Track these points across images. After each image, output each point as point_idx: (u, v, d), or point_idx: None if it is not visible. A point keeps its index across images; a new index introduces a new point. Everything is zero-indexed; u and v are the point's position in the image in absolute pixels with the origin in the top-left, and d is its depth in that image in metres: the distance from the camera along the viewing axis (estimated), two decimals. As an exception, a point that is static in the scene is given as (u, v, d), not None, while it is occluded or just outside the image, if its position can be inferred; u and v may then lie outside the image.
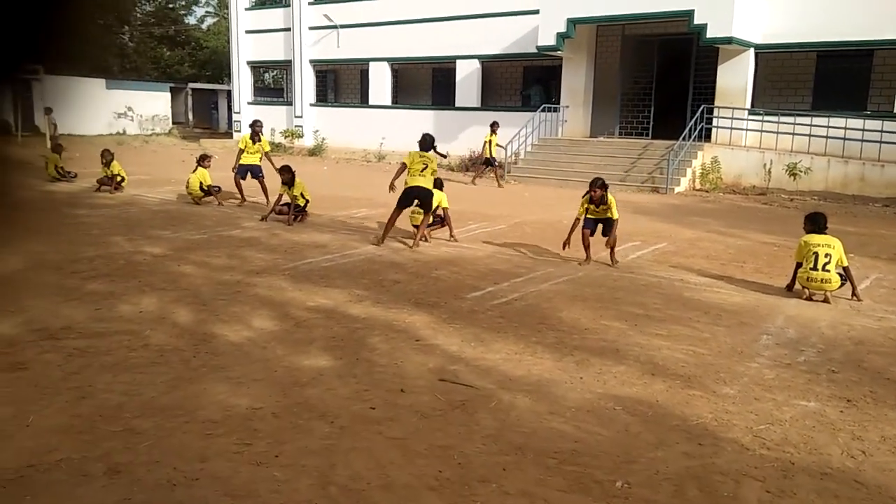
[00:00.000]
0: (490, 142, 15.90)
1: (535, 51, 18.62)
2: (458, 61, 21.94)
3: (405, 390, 3.96)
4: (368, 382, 4.07)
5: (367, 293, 6.11)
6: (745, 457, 3.28)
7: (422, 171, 8.19)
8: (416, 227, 8.46)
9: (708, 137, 16.56)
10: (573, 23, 17.47)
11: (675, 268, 7.57)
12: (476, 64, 21.67)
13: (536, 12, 18.24)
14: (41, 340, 4.58)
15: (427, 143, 8.51)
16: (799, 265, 6.40)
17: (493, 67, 22.32)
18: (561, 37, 17.63)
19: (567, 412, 3.70)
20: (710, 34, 15.56)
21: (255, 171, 11.42)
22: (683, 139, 15.55)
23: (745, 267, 7.73)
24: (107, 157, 12.37)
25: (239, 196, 11.45)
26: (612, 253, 7.48)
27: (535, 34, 18.37)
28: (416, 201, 8.34)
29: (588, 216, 7.50)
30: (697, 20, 15.64)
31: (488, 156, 15.95)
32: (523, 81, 22.43)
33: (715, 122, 16.55)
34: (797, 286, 6.47)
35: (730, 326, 5.42)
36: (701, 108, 16.08)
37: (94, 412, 3.56)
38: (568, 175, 16.52)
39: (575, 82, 19.07)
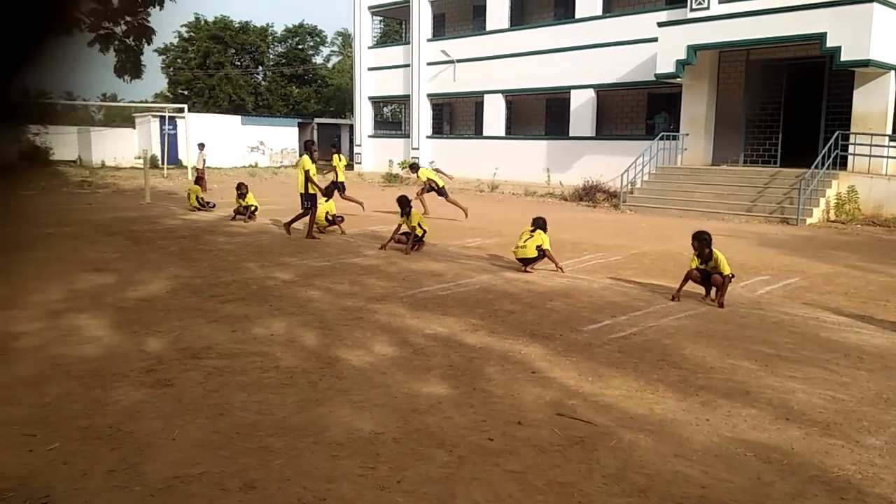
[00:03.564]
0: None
1: (653, 79, 18.28)
2: (572, 91, 21.92)
3: (522, 423, 3.94)
4: (485, 413, 4.09)
5: (483, 323, 6.16)
6: (897, 516, 3.01)
7: (526, 239, 8.66)
8: (521, 260, 8.68)
9: (843, 165, 15.51)
10: (694, 49, 17.03)
11: (808, 305, 7.09)
12: (591, 93, 21.54)
13: (654, 40, 17.94)
14: (185, 359, 4.97)
15: (538, 224, 8.80)
16: (955, 306, 5.82)
17: (608, 96, 22.10)
18: (681, 64, 17.23)
19: (693, 455, 3.55)
20: (844, 57, 14.66)
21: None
22: (816, 167, 14.64)
23: (888, 305, 7.12)
24: (242, 190, 13.36)
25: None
26: (719, 295, 7.06)
27: (653, 62, 18.06)
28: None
29: (700, 268, 7.22)
30: (830, 43, 14.79)
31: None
32: (648, 109, 21.97)
33: (851, 148, 15.49)
34: (953, 329, 5.89)
35: (873, 371, 5.00)
36: (835, 135, 15.10)
37: (231, 429, 3.80)
38: (688, 205, 15.96)
39: (695, 109, 18.51)
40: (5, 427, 3.76)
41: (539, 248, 8.57)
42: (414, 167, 15.27)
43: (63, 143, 30.15)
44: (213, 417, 3.95)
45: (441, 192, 14.39)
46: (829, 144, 15.00)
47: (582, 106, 21.78)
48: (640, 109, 22.43)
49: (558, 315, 6.51)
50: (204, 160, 19.63)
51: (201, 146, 19.91)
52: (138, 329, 5.73)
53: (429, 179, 14.32)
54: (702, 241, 7.09)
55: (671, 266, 9.02)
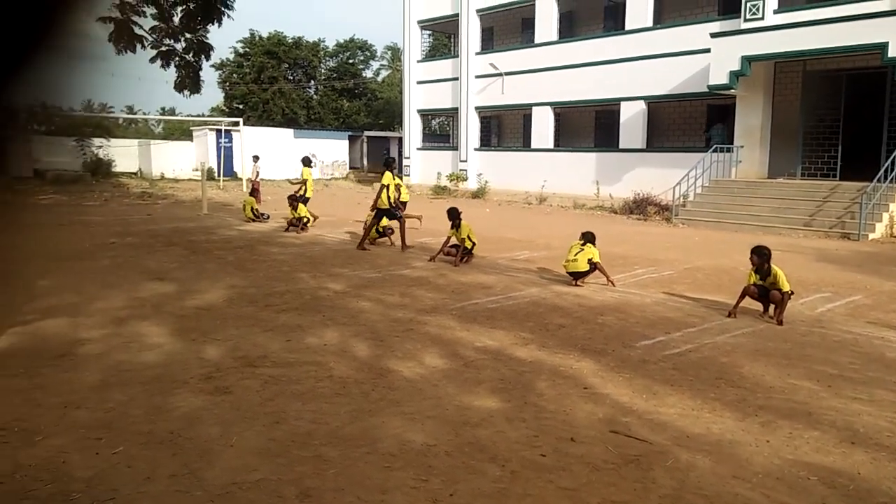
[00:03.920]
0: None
1: (706, 90, 17.97)
2: (622, 103, 21.70)
3: (575, 439, 3.90)
4: (537, 428, 4.07)
5: (533, 336, 6.13)
6: (974, 548, 2.87)
7: (576, 253, 8.58)
8: (571, 273, 8.61)
9: (908, 179, 14.91)
10: (748, 60, 16.69)
11: (873, 324, 6.83)
12: (641, 105, 21.28)
13: (707, 51, 17.65)
14: (242, 367, 5.09)
15: (587, 237, 8.74)
16: None
17: (659, 108, 21.80)
18: (735, 75, 16.89)
19: (753, 478, 3.45)
20: (908, 66, 14.16)
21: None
22: (878, 180, 14.12)
23: (961, 326, 6.80)
24: (293, 203, 13.67)
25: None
26: (778, 312, 6.85)
27: (706, 73, 17.76)
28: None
29: (758, 284, 7.03)
30: (892, 53, 14.31)
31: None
32: (702, 120, 21.59)
33: (917, 161, 14.88)
34: None
35: (945, 394, 4.78)
36: (900, 147, 14.56)
37: (286, 437, 3.87)
38: (742, 219, 15.59)
39: (750, 121, 18.10)
40: (73, 430, 3.92)
41: (590, 261, 8.49)
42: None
43: (125, 156, 31.32)
44: (269, 425, 4.03)
45: (401, 204, 14.53)
46: (892, 157, 14.46)
47: (632, 118, 21.54)
48: (692, 121, 22.06)
49: (610, 330, 6.43)
50: (258, 172, 20.11)
51: (256, 159, 20.41)
52: (197, 337, 5.90)
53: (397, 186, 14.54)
54: (761, 256, 6.92)
55: (726, 281, 8.82)
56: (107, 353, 5.40)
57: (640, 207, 18.67)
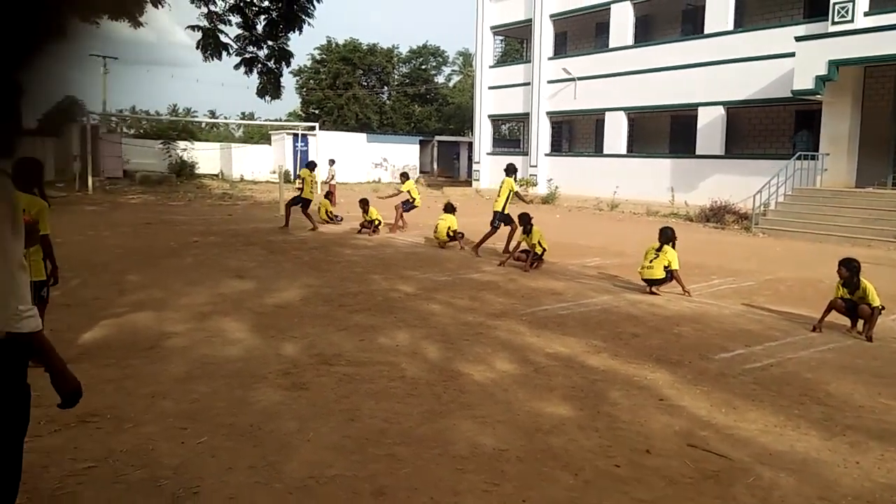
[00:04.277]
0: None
1: (789, 95, 17.27)
2: (699, 108, 21.10)
3: (651, 451, 3.82)
4: (611, 438, 4.00)
5: (605, 345, 6.04)
6: None
7: (651, 260, 8.39)
8: (647, 281, 8.44)
9: None
10: (836, 65, 15.93)
11: (974, 344, 6.39)
12: (720, 110, 20.64)
13: (791, 55, 16.96)
14: (318, 364, 5.23)
15: (665, 236, 8.50)
16: None
17: (739, 113, 21.07)
18: (821, 80, 16.16)
19: (842, 500, 3.29)
20: None
21: None
22: (981, 191, 13.20)
23: None
24: (364, 206, 13.94)
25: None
26: (867, 328, 6.49)
27: (789, 78, 17.06)
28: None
29: (845, 297, 6.69)
30: None
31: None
32: (787, 126, 20.77)
33: None
34: None
35: None
36: None
37: (361, 435, 3.95)
38: (828, 229, 14.87)
39: (837, 128, 17.27)
40: (161, 419, 4.11)
41: (667, 268, 8.28)
42: (405, 176, 15.54)
43: (207, 158, 32.64)
44: (344, 422, 4.12)
45: (409, 206, 14.61)
46: None
47: (710, 123, 20.90)
48: (775, 127, 21.24)
49: (686, 341, 6.26)
50: (333, 175, 20.61)
51: (332, 162, 20.91)
52: (275, 334, 6.09)
53: (409, 191, 14.63)
54: (850, 269, 6.60)
55: (810, 294, 8.44)
56: (191, 347, 5.64)
57: (717, 215, 18.10)
